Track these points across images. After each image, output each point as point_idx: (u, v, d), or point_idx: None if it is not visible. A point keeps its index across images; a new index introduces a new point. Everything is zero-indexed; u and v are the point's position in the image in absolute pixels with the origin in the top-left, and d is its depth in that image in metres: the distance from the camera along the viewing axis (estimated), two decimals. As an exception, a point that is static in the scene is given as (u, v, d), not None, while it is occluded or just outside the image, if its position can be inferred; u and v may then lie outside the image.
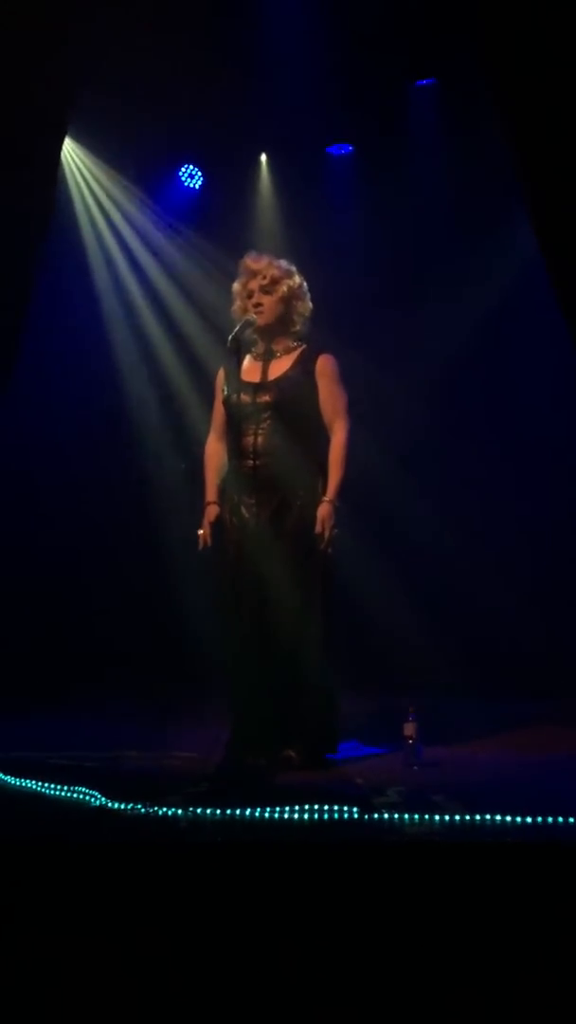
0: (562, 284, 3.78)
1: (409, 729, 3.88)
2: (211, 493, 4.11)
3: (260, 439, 3.92)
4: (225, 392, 4.07)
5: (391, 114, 5.75)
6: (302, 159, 6.06)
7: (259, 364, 4.06)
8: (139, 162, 5.97)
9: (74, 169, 5.90)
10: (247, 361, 4.09)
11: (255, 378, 4.03)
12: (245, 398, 3.97)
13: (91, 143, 5.81)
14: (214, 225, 6.04)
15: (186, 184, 6.26)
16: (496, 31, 3.78)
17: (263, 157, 6.19)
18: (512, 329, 5.62)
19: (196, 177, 6.26)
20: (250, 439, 3.93)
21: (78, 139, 5.76)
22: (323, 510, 3.93)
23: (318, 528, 3.91)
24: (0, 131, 3.97)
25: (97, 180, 5.98)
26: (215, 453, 4.16)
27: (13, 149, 4.02)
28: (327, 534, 3.91)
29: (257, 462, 3.92)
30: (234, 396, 4.01)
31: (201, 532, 4.04)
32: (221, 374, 4.14)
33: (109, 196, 6.02)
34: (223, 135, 5.93)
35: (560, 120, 3.62)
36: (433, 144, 5.70)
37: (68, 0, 3.98)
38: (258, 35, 5.28)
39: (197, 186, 6.26)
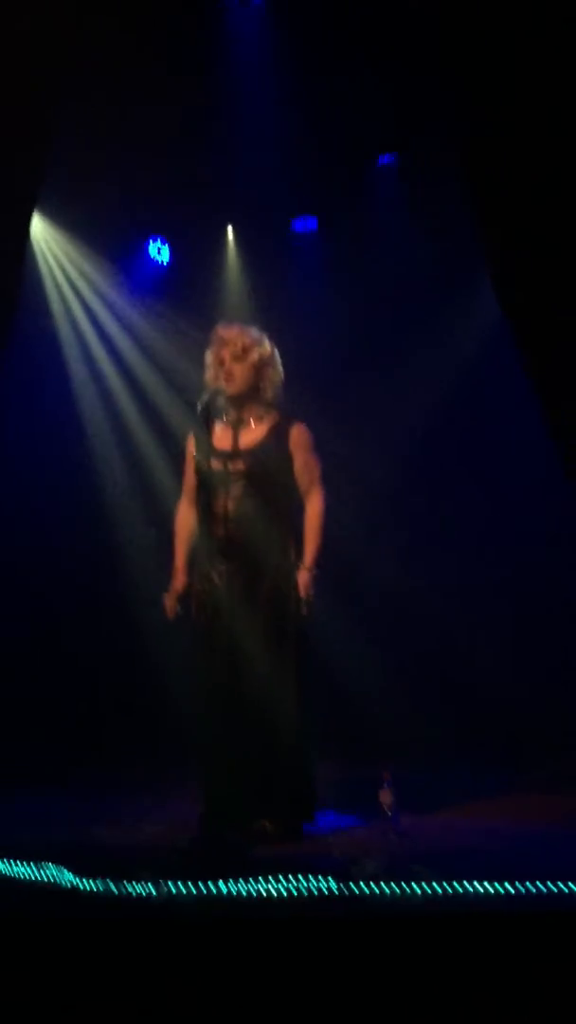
0: (527, 350, 3.84)
1: (386, 797, 3.83)
2: (179, 561, 4.10)
3: (231, 505, 3.92)
4: (196, 459, 4.07)
5: (355, 188, 5.87)
6: (268, 232, 6.16)
7: (230, 431, 4.07)
8: (107, 236, 6.03)
9: (42, 244, 5.95)
10: (218, 428, 4.10)
11: (227, 445, 4.04)
12: (216, 465, 3.98)
13: (59, 219, 5.86)
14: (183, 298, 6.09)
15: (155, 259, 6.32)
16: (461, 102, 3.90)
17: (229, 230, 6.28)
18: (480, 391, 5.69)
19: (163, 252, 6.33)
20: (221, 506, 3.93)
21: (46, 215, 5.81)
22: (303, 577, 3.93)
23: (300, 594, 3.91)
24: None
25: (66, 254, 6.03)
26: (185, 521, 4.16)
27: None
28: (307, 600, 3.90)
29: (229, 529, 3.91)
30: (205, 463, 4.02)
31: (168, 600, 4.01)
32: (191, 440, 4.15)
33: (78, 270, 6.06)
34: (189, 210, 6.01)
35: (523, 189, 3.71)
36: (396, 215, 5.81)
37: (38, 76, 4.04)
38: (224, 109, 5.39)
39: (165, 261, 6.34)
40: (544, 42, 3.64)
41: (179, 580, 4.05)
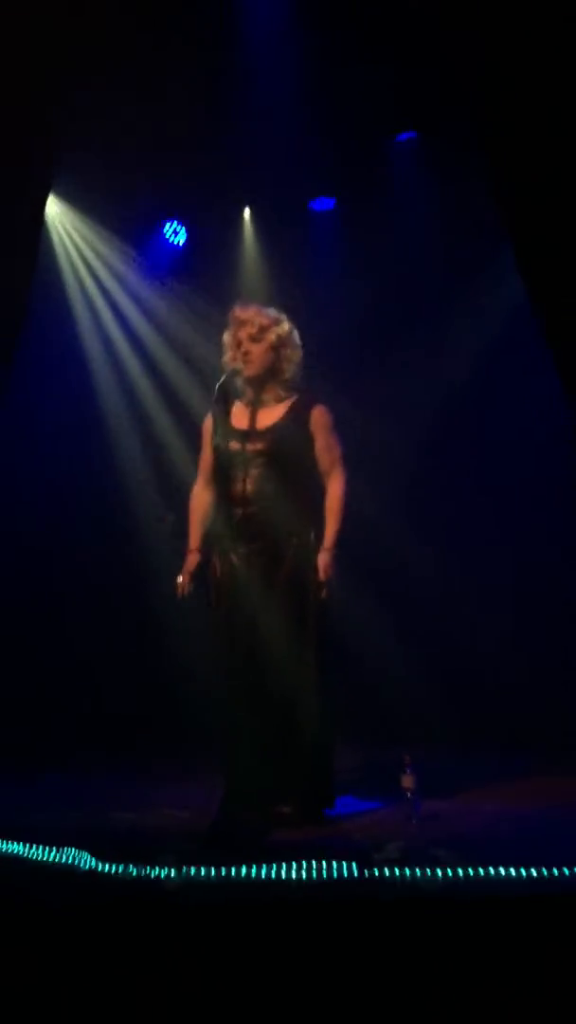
0: (550, 327, 3.78)
1: (407, 782, 3.80)
2: (194, 540, 4.07)
3: (250, 486, 3.89)
4: (214, 439, 4.04)
5: (373, 168, 5.80)
6: (285, 213, 6.10)
7: (248, 411, 4.04)
8: (123, 218, 6.00)
9: (58, 225, 5.93)
10: (236, 408, 4.07)
11: (244, 425, 4.01)
12: (235, 445, 3.95)
13: (75, 200, 5.83)
14: (200, 280, 6.05)
15: (171, 240, 6.29)
16: (481, 82, 3.84)
17: (247, 212, 6.23)
18: (503, 372, 5.62)
19: (180, 233, 6.29)
20: (240, 486, 3.90)
21: (62, 196, 5.79)
22: (323, 559, 3.90)
23: (320, 576, 3.87)
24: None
25: (81, 235, 6.00)
26: (201, 501, 4.13)
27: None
28: (327, 582, 3.87)
29: (248, 510, 3.89)
30: (223, 443, 3.99)
31: (180, 579, 3.98)
32: (209, 421, 4.12)
33: (94, 251, 6.04)
34: (206, 191, 5.97)
35: (543, 165, 3.65)
36: (415, 195, 5.74)
37: (52, 59, 4.01)
38: (240, 90, 5.33)
39: (181, 243, 6.30)
40: (564, 18, 3.58)
41: (192, 559, 4.02)
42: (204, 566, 4.03)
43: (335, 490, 3.99)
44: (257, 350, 3.99)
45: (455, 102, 4.43)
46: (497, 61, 3.71)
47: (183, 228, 6.28)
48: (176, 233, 6.29)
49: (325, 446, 4.02)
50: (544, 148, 3.67)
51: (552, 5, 3.57)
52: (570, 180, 3.63)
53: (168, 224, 6.26)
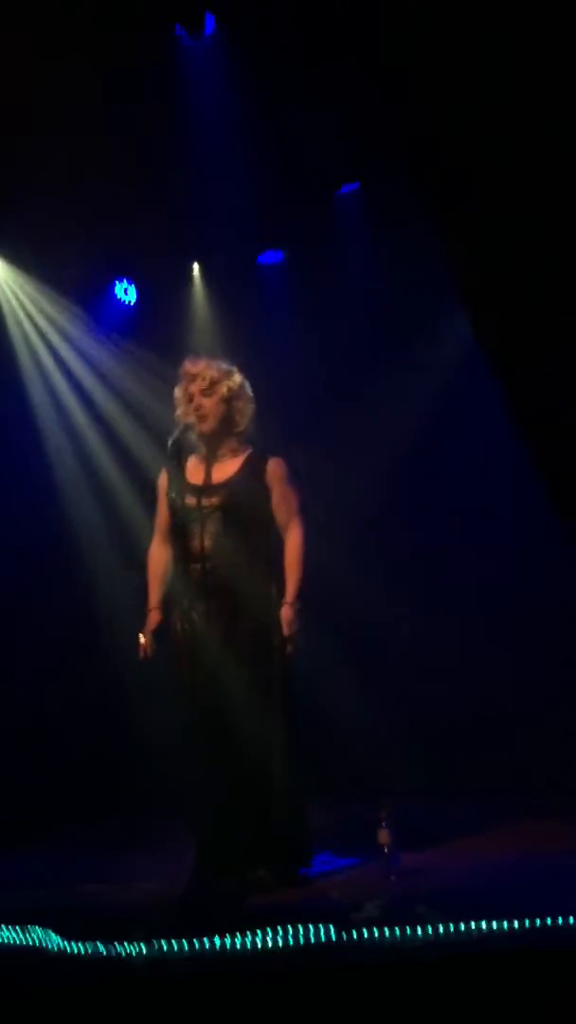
0: (499, 371, 3.79)
1: (383, 837, 3.72)
2: (154, 599, 4.00)
3: (208, 541, 3.83)
4: (170, 495, 3.99)
5: (319, 219, 5.84)
6: (235, 268, 6.12)
7: (203, 466, 4.00)
8: (72, 279, 5.97)
9: (4, 288, 5.89)
10: (190, 463, 4.03)
11: (199, 480, 3.96)
12: (191, 500, 3.90)
13: (21, 261, 5.80)
14: (151, 336, 6.02)
15: (121, 299, 6.27)
16: (421, 132, 3.87)
17: (195, 268, 6.24)
18: (454, 419, 5.64)
19: (130, 292, 6.29)
20: (197, 542, 3.84)
21: (6, 257, 5.76)
22: (286, 613, 3.83)
23: (284, 630, 3.80)
24: None
25: (30, 298, 5.96)
26: (159, 558, 4.06)
27: None
28: (292, 637, 3.80)
29: (206, 566, 3.82)
30: (179, 499, 3.94)
31: (143, 640, 3.90)
32: (163, 477, 4.07)
33: (43, 313, 6.00)
34: (154, 248, 5.96)
35: (487, 214, 3.67)
36: (361, 245, 5.78)
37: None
38: (183, 147, 5.36)
39: (132, 301, 6.29)
40: (504, 69, 3.62)
41: (153, 618, 3.95)
42: (166, 625, 3.95)
43: (294, 542, 3.94)
44: (209, 403, 3.96)
45: (396, 152, 4.47)
46: (439, 111, 3.74)
47: (133, 286, 6.27)
48: (126, 292, 6.28)
49: (282, 497, 3.97)
50: (488, 196, 3.70)
51: (494, 53, 3.61)
52: (516, 228, 3.66)
53: (118, 283, 6.25)
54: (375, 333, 5.78)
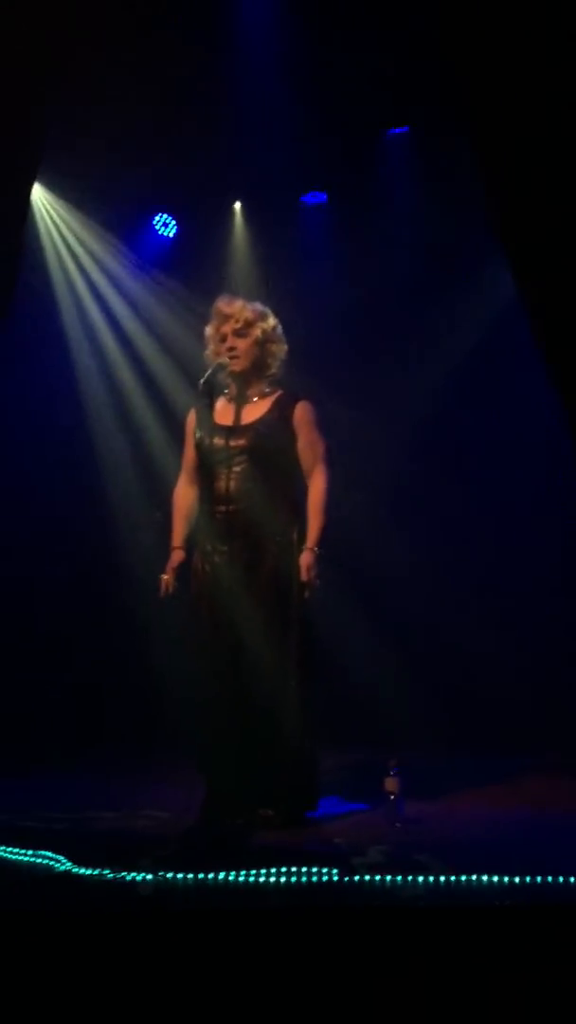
0: (540, 324, 3.72)
1: (391, 784, 3.75)
2: (177, 538, 4.00)
3: (233, 483, 3.82)
4: (197, 435, 3.97)
5: (365, 162, 5.75)
6: (276, 207, 6.05)
7: (232, 407, 3.98)
8: (112, 210, 5.93)
9: (45, 216, 5.86)
10: (219, 404, 4.01)
11: (228, 421, 3.94)
12: (218, 441, 3.88)
13: (63, 189, 5.77)
14: (188, 273, 5.99)
15: (160, 232, 6.22)
16: (472, 76, 3.77)
17: (237, 206, 6.17)
18: (493, 369, 5.59)
19: (170, 226, 6.23)
20: (223, 483, 3.83)
21: (49, 185, 5.72)
22: (306, 558, 3.81)
23: (303, 576, 3.79)
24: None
25: (69, 226, 5.93)
26: (184, 497, 4.06)
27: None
28: (311, 582, 3.78)
29: (230, 507, 3.82)
30: (206, 439, 3.92)
31: (164, 577, 3.92)
32: (192, 416, 4.06)
33: (81, 242, 5.97)
34: (197, 184, 5.92)
35: (535, 160, 3.59)
36: (406, 190, 5.70)
37: (44, 44, 3.93)
38: (232, 84, 5.27)
39: (171, 235, 6.23)
40: (560, 11, 3.52)
41: (176, 557, 3.96)
42: (188, 564, 3.97)
43: (317, 487, 3.91)
44: (243, 345, 3.93)
45: (448, 96, 4.37)
46: (491, 55, 3.64)
47: (173, 221, 6.21)
48: (166, 225, 6.22)
49: (308, 442, 3.95)
50: (536, 144, 3.61)
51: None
52: (562, 176, 3.57)
53: (158, 216, 6.19)
54: (415, 282, 5.71)
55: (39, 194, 5.69)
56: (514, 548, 5.55)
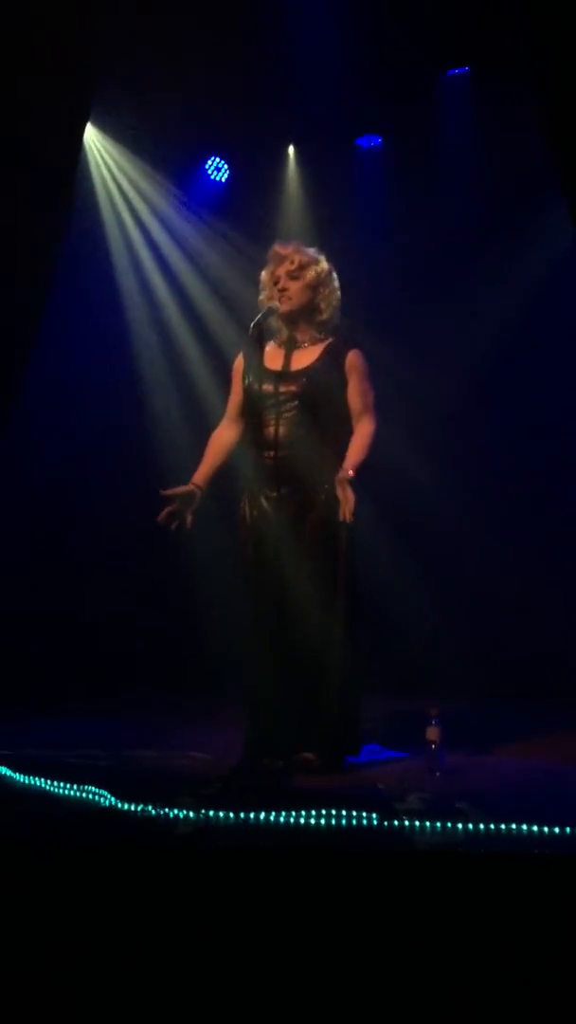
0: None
1: (432, 734, 3.75)
2: (199, 476, 3.98)
3: (282, 429, 3.79)
4: (246, 380, 3.95)
5: (422, 105, 5.63)
6: (330, 151, 5.95)
7: (282, 352, 3.94)
8: (164, 153, 5.89)
9: (98, 157, 5.83)
10: (269, 348, 3.97)
11: (278, 366, 3.91)
12: (268, 387, 3.86)
13: (115, 131, 5.73)
14: (241, 218, 5.94)
15: (212, 177, 6.16)
16: (538, 17, 3.67)
17: (291, 150, 6.08)
18: (547, 321, 5.49)
19: (223, 170, 6.16)
20: (271, 429, 3.81)
21: (103, 129, 5.68)
22: (341, 479, 3.66)
23: (339, 494, 3.66)
24: (21, 113, 3.90)
25: (121, 168, 5.90)
26: (219, 439, 4.05)
27: (34, 133, 3.95)
28: (349, 504, 3.63)
29: (279, 453, 3.79)
30: (256, 384, 3.90)
31: (166, 493, 3.87)
32: (240, 360, 4.03)
33: (133, 184, 5.94)
34: (250, 128, 5.85)
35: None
36: (465, 135, 5.57)
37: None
38: (285, 26, 5.18)
39: (223, 179, 6.17)
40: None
41: (186, 489, 3.91)
42: (189, 503, 3.89)
43: (364, 429, 3.83)
44: (295, 287, 3.89)
45: (509, 35, 4.26)
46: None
47: (225, 164, 6.15)
48: (218, 169, 6.17)
49: (358, 390, 3.89)
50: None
51: None
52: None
53: (210, 160, 6.13)
54: (471, 228, 5.60)
55: (92, 135, 5.66)
56: (564, 501, 5.48)
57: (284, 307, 3.89)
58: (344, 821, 3.03)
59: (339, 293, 3.98)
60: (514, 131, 5.04)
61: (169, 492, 3.91)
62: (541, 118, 3.77)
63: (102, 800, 3.27)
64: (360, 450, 3.80)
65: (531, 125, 3.98)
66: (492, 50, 5.14)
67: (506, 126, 5.21)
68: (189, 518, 3.91)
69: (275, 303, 3.89)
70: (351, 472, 3.70)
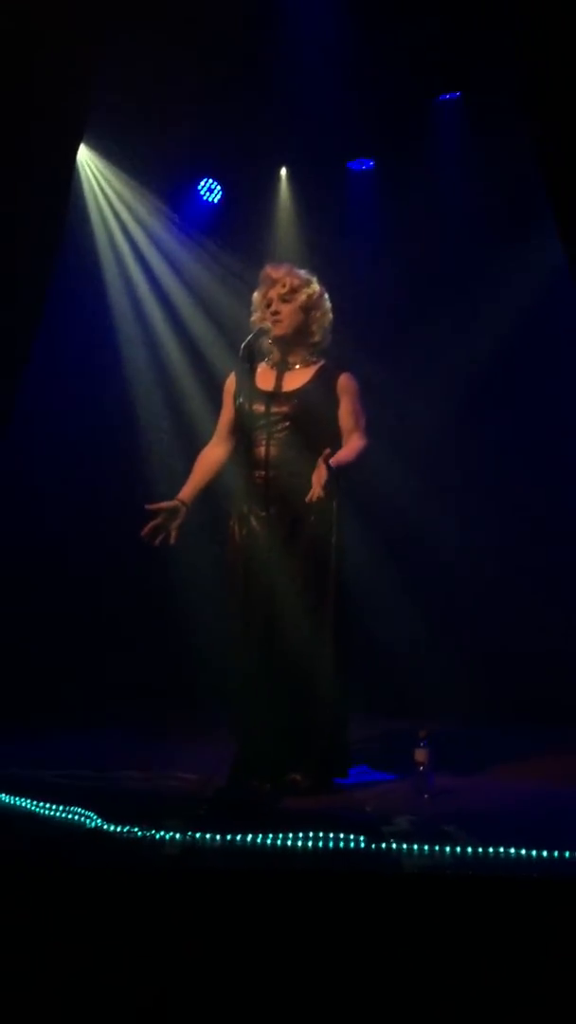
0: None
1: (421, 756, 3.74)
2: (185, 493, 4.00)
3: (273, 450, 3.81)
4: (238, 400, 3.96)
5: (414, 128, 5.65)
6: (323, 173, 5.97)
7: (273, 373, 3.97)
8: (157, 174, 5.90)
9: (91, 177, 5.84)
10: (261, 369, 3.99)
11: (269, 387, 3.93)
12: (258, 407, 3.87)
13: (109, 153, 5.75)
14: (233, 239, 5.95)
15: (205, 198, 6.18)
16: (529, 42, 3.70)
17: (283, 171, 6.11)
18: (539, 343, 5.51)
19: (215, 191, 6.19)
20: (262, 449, 3.82)
21: (96, 149, 5.70)
22: (321, 461, 3.64)
23: (313, 476, 3.64)
24: (14, 133, 3.91)
25: (114, 189, 5.91)
26: (208, 458, 4.07)
27: (27, 153, 3.96)
28: (318, 484, 3.60)
29: (269, 473, 3.79)
30: (247, 404, 3.91)
31: (152, 507, 3.88)
32: (231, 380, 4.05)
33: (125, 205, 5.95)
34: (242, 149, 5.86)
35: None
36: (455, 158, 5.59)
37: (89, 9, 3.91)
38: (279, 48, 5.21)
39: (216, 200, 6.19)
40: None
41: (171, 505, 3.92)
42: (171, 519, 3.90)
43: (354, 442, 3.83)
44: (287, 310, 3.92)
45: (500, 61, 4.30)
46: (543, 18, 3.57)
47: (218, 186, 6.17)
48: (211, 191, 6.18)
49: (350, 412, 3.92)
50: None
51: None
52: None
53: (203, 181, 6.15)
54: (463, 250, 5.62)
55: (85, 156, 5.68)
56: (560, 518, 5.49)
57: (277, 330, 3.92)
58: (331, 843, 3.03)
59: (331, 315, 4.01)
60: (505, 155, 5.06)
61: (154, 506, 3.92)
62: (532, 142, 3.80)
63: (88, 821, 3.25)
64: (347, 452, 3.80)
65: (522, 149, 4.00)
66: (483, 75, 5.18)
67: (497, 150, 5.23)
68: (173, 533, 3.91)
69: (266, 324, 3.91)
70: (331, 462, 3.66)
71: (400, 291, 5.73)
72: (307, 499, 3.65)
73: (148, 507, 3.91)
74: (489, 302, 5.51)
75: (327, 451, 3.71)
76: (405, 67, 5.31)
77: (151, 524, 3.90)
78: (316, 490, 3.63)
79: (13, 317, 4.02)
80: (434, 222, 5.64)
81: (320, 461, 3.67)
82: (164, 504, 3.94)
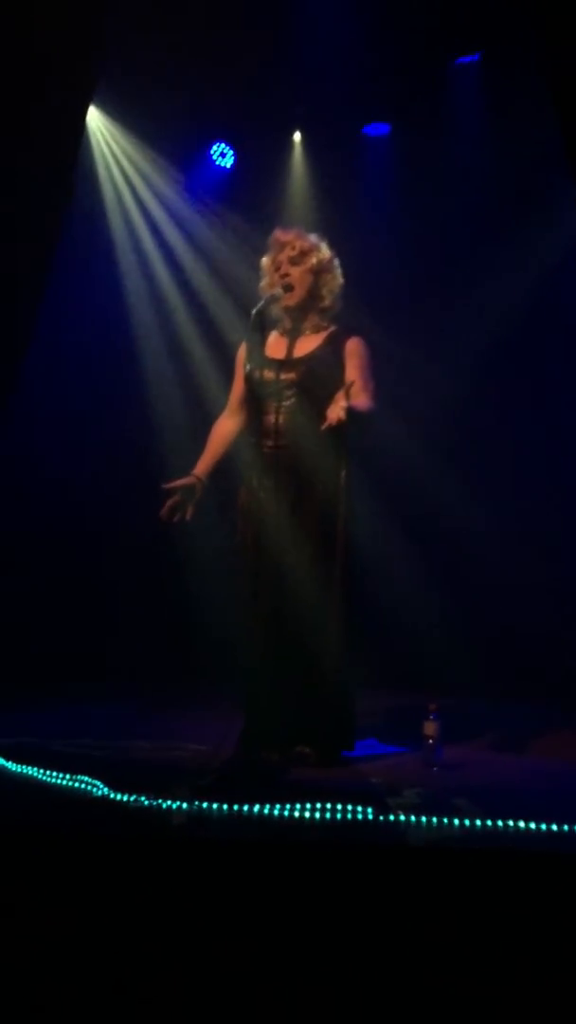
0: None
1: (430, 729, 3.73)
2: (200, 467, 3.95)
3: (282, 418, 3.75)
4: (247, 368, 3.91)
5: (430, 93, 5.56)
6: (337, 138, 5.89)
7: (285, 340, 3.91)
8: (169, 137, 5.83)
9: (101, 141, 5.77)
10: (272, 337, 3.94)
11: (280, 354, 3.88)
12: (268, 375, 3.81)
13: (120, 116, 5.67)
14: (245, 204, 5.88)
15: (217, 163, 6.10)
16: (548, 2, 3.62)
17: (297, 136, 6.02)
18: (555, 310, 5.44)
19: (227, 156, 6.11)
20: (271, 418, 3.77)
21: (107, 111, 5.63)
22: (340, 400, 3.50)
23: (329, 412, 3.50)
24: (24, 94, 3.85)
25: (125, 153, 5.84)
26: (221, 430, 4.03)
27: (37, 114, 3.90)
28: (337, 409, 3.47)
29: (279, 442, 3.75)
30: (256, 372, 3.86)
31: (167, 486, 3.83)
32: (243, 349, 4.00)
33: (136, 169, 5.88)
34: (256, 113, 5.78)
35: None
36: (473, 123, 5.50)
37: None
38: (294, 10, 5.12)
39: (228, 165, 6.12)
40: None
41: (188, 481, 3.89)
42: (191, 496, 3.87)
43: (363, 400, 3.67)
44: (297, 273, 3.86)
45: (519, 22, 4.21)
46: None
47: (231, 150, 6.09)
48: (223, 155, 6.11)
49: (358, 374, 3.80)
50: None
51: None
52: None
53: (215, 146, 6.07)
54: (478, 216, 5.55)
55: (96, 119, 5.60)
56: (566, 493, 5.44)
57: (287, 296, 3.86)
58: (339, 815, 3.01)
59: (341, 280, 3.95)
60: (524, 119, 4.96)
61: (171, 485, 3.88)
62: (551, 106, 3.72)
63: (95, 790, 3.25)
64: (359, 403, 3.60)
65: (541, 113, 3.91)
66: (502, 37, 5.08)
67: (516, 114, 5.13)
68: (189, 510, 3.88)
69: (278, 291, 3.86)
70: (347, 404, 3.50)
71: (414, 257, 5.67)
72: (321, 428, 3.51)
73: (164, 486, 3.86)
74: (505, 267, 5.42)
75: (349, 382, 3.59)
76: (421, 29, 5.21)
77: (169, 503, 3.86)
78: (333, 417, 3.46)
79: (20, 283, 3.99)
80: (450, 187, 5.56)
81: (340, 393, 3.54)
82: (180, 481, 3.90)
